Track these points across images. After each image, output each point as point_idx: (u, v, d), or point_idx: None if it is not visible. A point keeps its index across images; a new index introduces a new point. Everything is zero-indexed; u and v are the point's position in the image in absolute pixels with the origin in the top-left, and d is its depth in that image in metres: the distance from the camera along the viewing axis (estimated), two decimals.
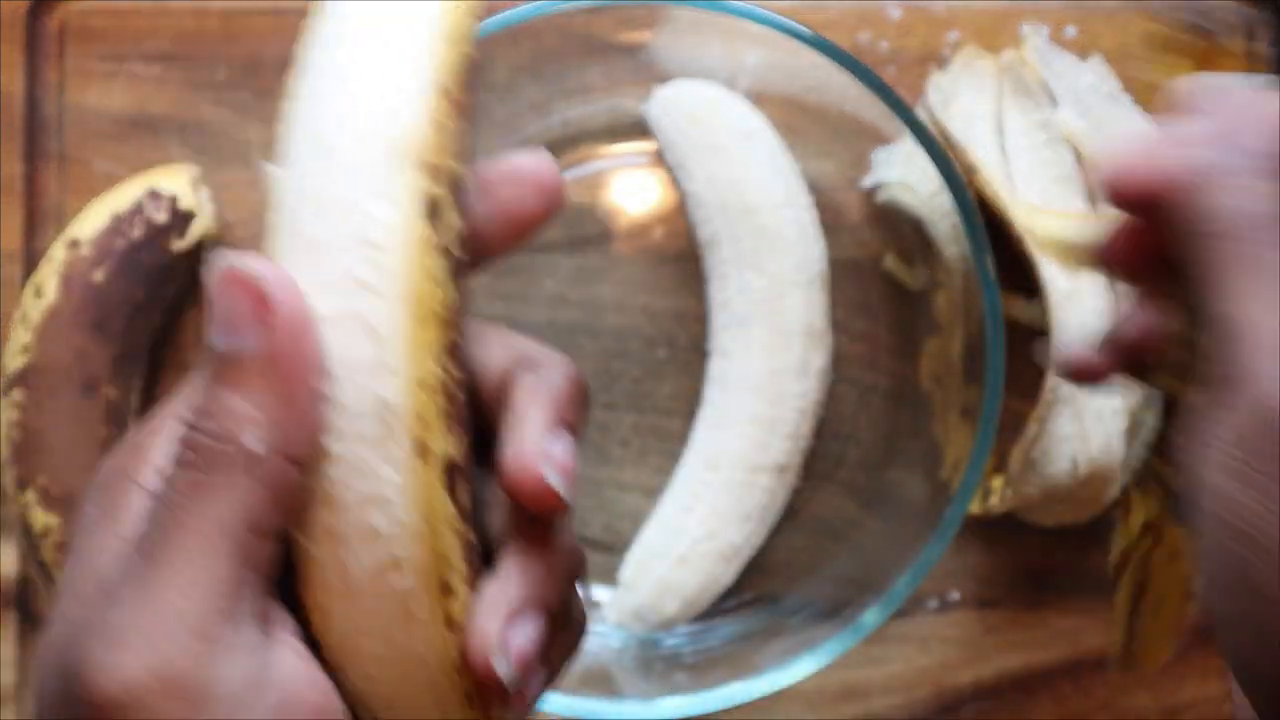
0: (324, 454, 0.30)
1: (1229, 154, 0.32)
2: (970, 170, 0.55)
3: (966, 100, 0.57)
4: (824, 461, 0.58)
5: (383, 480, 0.30)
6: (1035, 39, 0.57)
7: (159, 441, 0.31)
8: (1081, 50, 0.58)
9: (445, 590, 0.31)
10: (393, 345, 0.30)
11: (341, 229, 0.30)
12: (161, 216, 0.57)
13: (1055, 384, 0.55)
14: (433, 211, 0.31)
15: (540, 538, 0.33)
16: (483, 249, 0.34)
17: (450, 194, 0.32)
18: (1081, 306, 0.55)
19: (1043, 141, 0.57)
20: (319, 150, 0.31)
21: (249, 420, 0.29)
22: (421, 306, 0.31)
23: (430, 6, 0.33)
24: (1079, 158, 0.57)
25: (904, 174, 0.55)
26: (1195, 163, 0.32)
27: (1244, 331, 0.31)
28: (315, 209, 0.31)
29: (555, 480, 0.32)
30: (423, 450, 0.30)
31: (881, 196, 0.57)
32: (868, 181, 0.57)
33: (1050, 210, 0.56)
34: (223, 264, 0.29)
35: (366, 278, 0.30)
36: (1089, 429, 0.55)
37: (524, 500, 0.32)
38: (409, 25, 0.33)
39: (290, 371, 0.29)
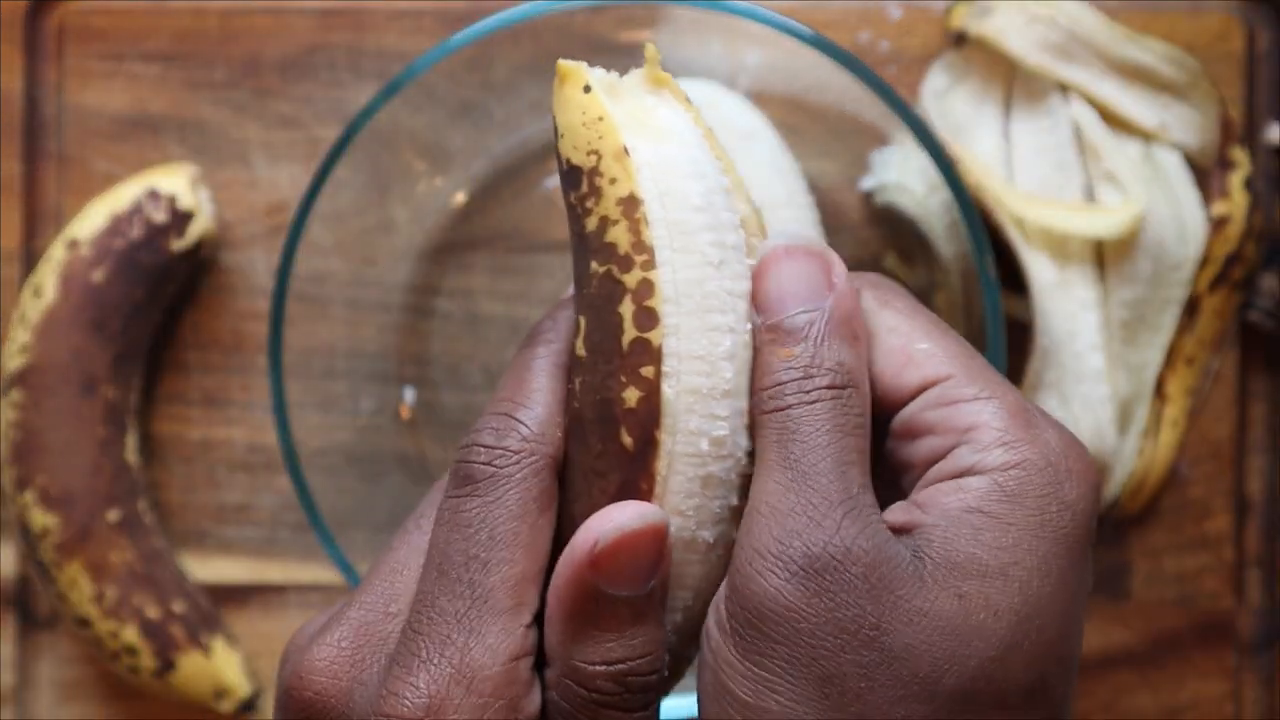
0: None
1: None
2: (960, 159, 0.55)
3: (976, 83, 0.57)
4: None
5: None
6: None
7: (507, 693, 0.35)
8: None
9: None
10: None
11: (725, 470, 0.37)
12: (160, 216, 0.56)
13: (1038, 368, 0.55)
14: None
15: None
16: None
17: None
18: (1070, 297, 0.55)
19: (1047, 126, 0.56)
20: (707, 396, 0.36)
21: (662, 649, 0.36)
22: None
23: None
24: (1081, 146, 0.57)
25: (901, 176, 0.55)
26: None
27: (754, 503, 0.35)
28: (708, 446, 0.36)
29: None
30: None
31: (880, 199, 0.57)
32: (866, 184, 0.57)
33: (1044, 200, 0.56)
34: (622, 521, 0.35)
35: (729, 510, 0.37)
36: (1077, 414, 0.55)
37: None
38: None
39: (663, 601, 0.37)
